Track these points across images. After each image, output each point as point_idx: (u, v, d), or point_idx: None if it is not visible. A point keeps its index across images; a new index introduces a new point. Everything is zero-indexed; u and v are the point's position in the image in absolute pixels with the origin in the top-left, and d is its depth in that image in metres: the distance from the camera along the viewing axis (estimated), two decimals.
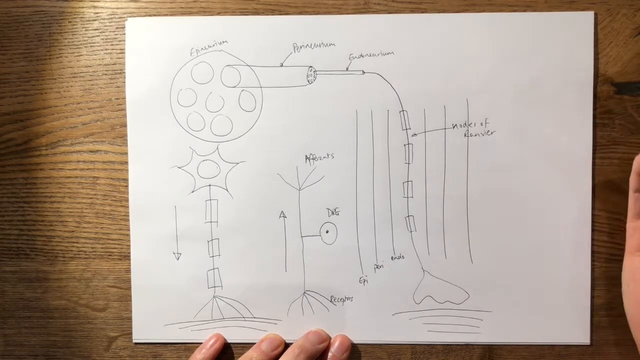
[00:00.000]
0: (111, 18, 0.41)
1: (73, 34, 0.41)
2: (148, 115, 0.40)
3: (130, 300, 0.41)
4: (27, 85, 0.41)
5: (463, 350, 0.41)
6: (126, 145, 0.41)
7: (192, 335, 0.41)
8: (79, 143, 0.41)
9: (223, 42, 0.40)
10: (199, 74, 0.40)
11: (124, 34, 0.40)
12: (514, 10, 0.39)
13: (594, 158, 0.39)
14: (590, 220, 0.39)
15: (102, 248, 0.41)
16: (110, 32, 0.41)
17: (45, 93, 0.41)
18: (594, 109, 0.39)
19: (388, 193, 0.40)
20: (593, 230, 0.40)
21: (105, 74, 0.41)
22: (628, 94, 0.39)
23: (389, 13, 0.40)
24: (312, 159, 0.40)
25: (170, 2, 0.40)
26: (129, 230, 0.41)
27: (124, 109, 0.41)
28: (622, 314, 0.38)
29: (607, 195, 0.39)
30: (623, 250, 0.38)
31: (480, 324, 0.40)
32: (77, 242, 0.41)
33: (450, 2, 0.40)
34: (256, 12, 0.40)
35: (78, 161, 0.41)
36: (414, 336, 0.40)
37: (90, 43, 0.41)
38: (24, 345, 0.42)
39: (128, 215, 0.41)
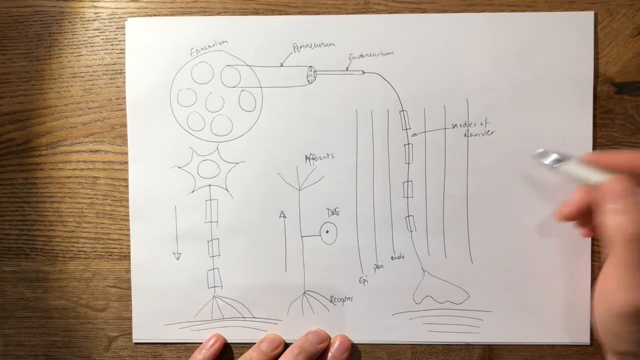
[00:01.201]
0: (111, 18, 0.41)
1: (73, 34, 0.41)
2: (148, 115, 0.40)
3: (130, 300, 0.41)
4: (27, 85, 0.41)
5: (463, 350, 0.41)
6: (126, 145, 0.41)
7: (192, 335, 0.41)
8: (79, 143, 0.41)
9: (223, 42, 0.40)
10: (199, 74, 0.40)
11: (124, 34, 0.40)
12: (514, 10, 0.39)
13: None
14: None
15: (102, 248, 0.41)
16: (110, 32, 0.41)
17: (45, 93, 0.41)
18: (594, 109, 0.39)
19: (388, 193, 0.40)
20: None
21: (105, 74, 0.41)
22: (628, 94, 0.39)
23: (389, 13, 0.40)
24: (312, 159, 0.40)
25: (170, 2, 0.40)
26: (129, 230, 0.41)
27: (124, 109, 0.41)
28: None
29: None
30: None
31: (480, 324, 0.40)
32: (77, 242, 0.41)
33: (450, 2, 0.40)
34: (256, 12, 0.40)
35: (78, 161, 0.41)
36: (414, 336, 0.40)
37: (90, 43, 0.41)
38: (24, 345, 0.42)
39: (128, 215, 0.41)
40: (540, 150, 0.37)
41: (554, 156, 0.36)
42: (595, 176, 0.33)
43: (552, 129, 0.39)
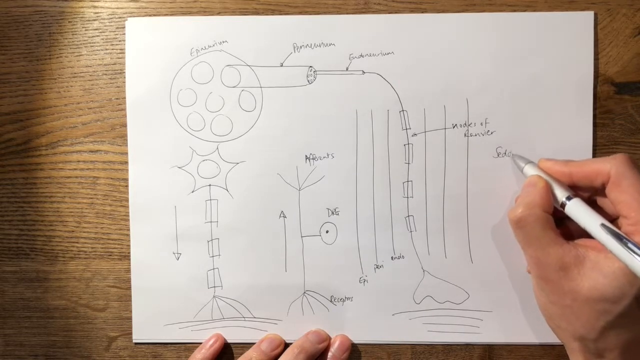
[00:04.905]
0: (111, 18, 0.41)
1: (73, 34, 0.41)
2: (148, 115, 0.40)
3: (130, 300, 0.41)
4: (27, 85, 0.41)
5: (463, 350, 0.41)
6: (126, 145, 0.41)
7: (192, 335, 0.41)
8: (79, 143, 0.41)
9: (223, 42, 0.40)
10: (199, 74, 0.40)
11: (124, 34, 0.40)
12: (514, 10, 0.39)
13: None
14: None
15: (102, 248, 0.41)
16: (110, 32, 0.41)
17: (45, 93, 0.41)
18: (594, 109, 0.39)
19: (388, 193, 0.40)
20: None
21: (105, 74, 0.41)
22: (628, 94, 0.39)
23: (389, 13, 0.40)
24: (312, 159, 0.40)
25: (170, 2, 0.40)
26: (129, 230, 0.41)
27: (124, 109, 0.41)
28: None
29: None
30: None
31: (480, 324, 0.40)
32: (77, 242, 0.41)
33: (450, 2, 0.40)
34: (256, 12, 0.40)
35: (78, 161, 0.41)
36: (414, 336, 0.40)
37: (90, 43, 0.41)
38: (24, 345, 0.42)
39: (128, 215, 0.41)
40: (513, 153, 0.39)
41: (521, 160, 0.38)
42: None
43: (552, 128, 0.39)
